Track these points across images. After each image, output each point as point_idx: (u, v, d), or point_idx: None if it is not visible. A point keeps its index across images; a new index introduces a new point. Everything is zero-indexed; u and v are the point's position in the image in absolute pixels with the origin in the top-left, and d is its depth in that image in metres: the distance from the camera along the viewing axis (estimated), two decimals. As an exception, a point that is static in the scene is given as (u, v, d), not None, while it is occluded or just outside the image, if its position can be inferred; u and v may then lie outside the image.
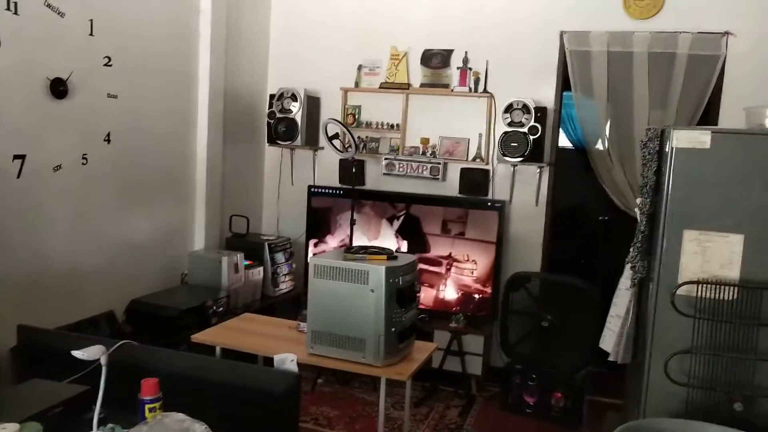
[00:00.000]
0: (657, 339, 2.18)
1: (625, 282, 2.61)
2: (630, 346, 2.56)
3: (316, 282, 2.50)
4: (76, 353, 1.48)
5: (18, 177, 2.96)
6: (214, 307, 3.53)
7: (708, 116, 4.03)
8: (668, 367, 2.13)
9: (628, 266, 2.57)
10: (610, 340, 2.56)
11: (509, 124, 4.12)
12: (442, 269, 4.36)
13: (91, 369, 1.70)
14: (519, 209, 4.41)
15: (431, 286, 4.37)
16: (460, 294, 4.31)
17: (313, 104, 4.69)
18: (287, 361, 2.46)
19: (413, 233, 4.42)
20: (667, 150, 2.14)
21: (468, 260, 4.30)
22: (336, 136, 4.34)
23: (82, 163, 3.31)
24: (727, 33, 3.92)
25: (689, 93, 3.98)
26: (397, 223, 4.45)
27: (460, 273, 4.32)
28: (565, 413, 3.92)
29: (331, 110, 4.74)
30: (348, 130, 4.14)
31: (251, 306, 4.01)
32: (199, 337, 2.71)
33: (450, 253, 4.34)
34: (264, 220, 5.02)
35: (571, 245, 5.09)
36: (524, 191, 4.40)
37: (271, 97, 4.65)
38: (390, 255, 2.55)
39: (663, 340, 2.19)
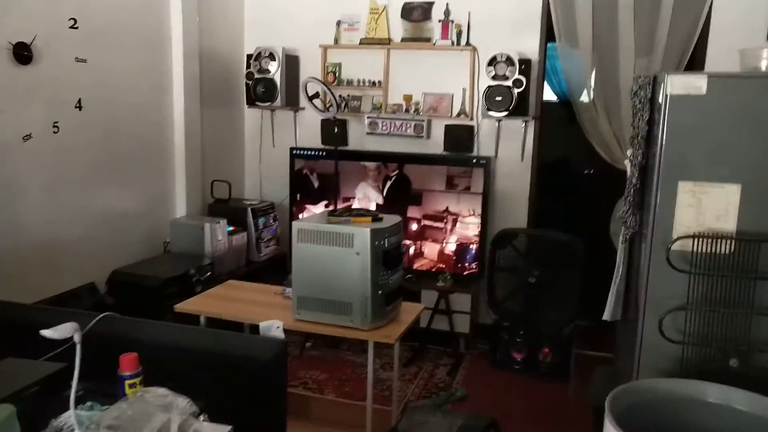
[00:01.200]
0: (651, 296, 2.13)
1: (621, 237, 2.55)
2: (620, 302, 2.52)
3: (301, 247, 2.44)
4: (46, 332, 1.41)
5: (-15, 148, 2.84)
6: (198, 276, 3.47)
7: (694, 63, 3.95)
8: (663, 325, 2.09)
9: (620, 221, 2.50)
10: (608, 308, 2.52)
11: (493, 78, 4.02)
12: (442, 224, 4.31)
13: (69, 345, 1.65)
14: (504, 165, 4.35)
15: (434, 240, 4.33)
16: (448, 252, 4.28)
17: (291, 63, 4.55)
18: (273, 328, 2.42)
19: (403, 193, 4.35)
20: (659, 98, 2.06)
21: (472, 214, 4.23)
22: (316, 95, 4.22)
23: (53, 132, 3.19)
24: (714, -27, 3.81)
25: (675, 39, 3.89)
26: (388, 183, 4.37)
27: (464, 228, 4.27)
28: (553, 368, 3.95)
29: (310, 69, 4.61)
30: (329, 89, 4.02)
31: (236, 272, 3.96)
32: (182, 306, 2.66)
33: (447, 208, 4.28)
34: (246, 185, 4.93)
35: (556, 200, 5.05)
36: (509, 146, 4.33)
37: (248, 57, 4.50)
38: (375, 217, 2.49)
39: (657, 296, 2.14)
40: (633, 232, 2.40)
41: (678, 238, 2.07)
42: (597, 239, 4.29)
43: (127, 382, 1.51)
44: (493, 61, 4.02)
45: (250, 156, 4.92)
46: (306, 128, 4.73)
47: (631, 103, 3.90)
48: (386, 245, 2.39)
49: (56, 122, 3.20)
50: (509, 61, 3.99)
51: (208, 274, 3.59)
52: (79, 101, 3.33)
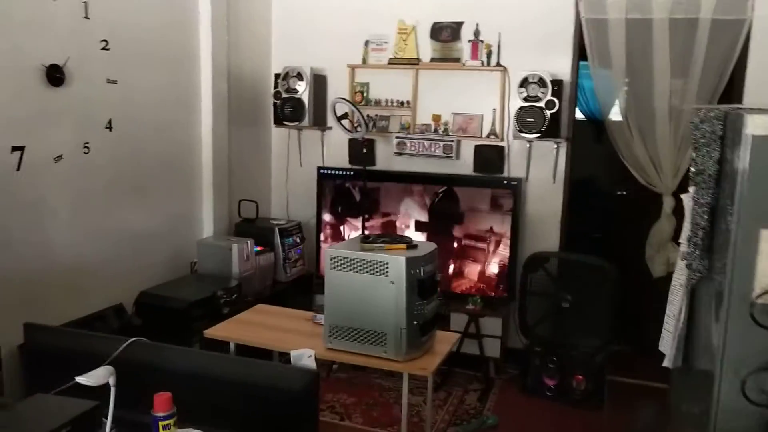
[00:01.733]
0: (729, 353, 1.91)
1: (680, 278, 2.37)
2: (681, 349, 2.32)
3: (333, 274, 2.38)
4: (80, 379, 1.37)
5: (18, 169, 2.84)
6: (226, 297, 3.43)
7: (732, 86, 3.85)
8: (745, 386, 1.87)
9: (682, 262, 2.29)
10: (667, 341, 2.34)
11: (525, 99, 3.95)
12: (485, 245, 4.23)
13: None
14: (536, 187, 4.27)
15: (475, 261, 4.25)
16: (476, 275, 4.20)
17: (319, 83, 4.53)
18: (305, 356, 2.37)
19: (449, 211, 4.29)
20: (735, 136, 1.88)
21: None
22: (345, 115, 4.18)
23: (84, 153, 3.18)
24: (753, -5, 3.72)
25: (712, 61, 3.80)
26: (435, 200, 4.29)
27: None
28: (586, 395, 3.83)
29: (338, 88, 4.58)
30: (357, 109, 3.98)
31: (262, 293, 3.91)
32: (211, 332, 2.61)
33: (491, 228, 4.19)
34: (273, 204, 4.89)
35: (588, 221, 4.95)
36: (541, 168, 4.25)
37: (276, 76, 4.49)
38: (409, 244, 2.43)
39: (737, 353, 1.91)
40: (701, 277, 2.16)
41: (763, 293, 1.83)
42: (629, 262, 4.20)
43: (161, 423, 1.45)
44: (524, 82, 3.95)
45: (276, 175, 4.89)
46: (333, 147, 4.70)
47: (667, 128, 3.88)
48: (422, 274, 2.32)
49: (87, 143, 3.19)
50: (541, 81, 3.92)
51: (235, 296, 3.54)
52: (110, 122, 3.32)
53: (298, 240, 4.37)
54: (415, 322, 2.32)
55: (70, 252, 3.14)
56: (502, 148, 4.28)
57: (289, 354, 2.38)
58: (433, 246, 2.47)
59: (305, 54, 4.60)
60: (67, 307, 3.07)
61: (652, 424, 3.56)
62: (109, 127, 3.32)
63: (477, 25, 4.24)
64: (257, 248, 3.98)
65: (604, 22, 3.97)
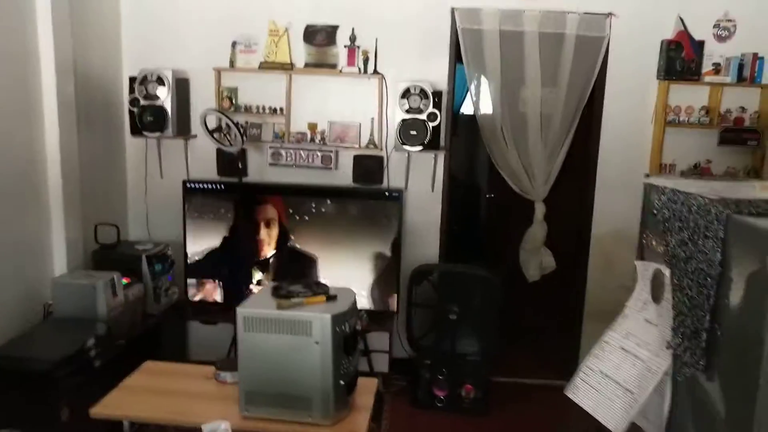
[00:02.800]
0: None
1: (616, 338, 2.35)
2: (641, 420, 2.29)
3: (248, 336, 2.13)
4: None
5: None
6: (97, 348, 2.99)
7: (594, 96, 4.09)
8: None
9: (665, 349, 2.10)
10: (590, 396, 2.34)
11: (407, 111, 3.89)
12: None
13: None
14: (415, 196, 4.25)
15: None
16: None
17: (181, 87, 4.10)
18: (219, 430, 2.11)
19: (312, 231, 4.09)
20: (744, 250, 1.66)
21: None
22: (218, 128, 3.81)
23: None
24: (610, 14, 3.96)
25: (578, 73, 4.02)
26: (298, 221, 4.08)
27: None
28: (476, 403, 3.92)
29: (202, 93, 4.19)
30: (233, 122, 3.66)
31: (133, 332, 3.48)
32: (100, 411, 2.21)
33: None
34: (130, 222, 4.37)
35: (461, 225, 5.06)
36: (419, 177, 4.23)
37: (132, 80, 3.98)
38: (327, 294, 2.25)
39: None
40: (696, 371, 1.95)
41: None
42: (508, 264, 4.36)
43: None
44: (406, 93, 3.89)
45: (133, 191, 4.37)
46: (198, 158, 4.30)
47: (539, 136, 4.02)
48: (347, 329, 2.15)
49: None
50: (423, 93, 3.87)
51: (106, 343, 3.10)
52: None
53: (167, 265, 3.94)
54: (342, 382, 2.16)
55: None
56: (381, 158, 4.19)
57: (197, 428, 2.11)
58: (352, 294, 2.31)
59: (163, 55, 4.14)
60: None
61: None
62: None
63: (353, 29, 4.07)
64: (124, 281, 3.51)
65: (479, 32, 4.01)
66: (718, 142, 4.01)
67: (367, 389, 2.40)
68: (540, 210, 4.21)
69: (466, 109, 4.43)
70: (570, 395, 2.40)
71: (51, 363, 2.76)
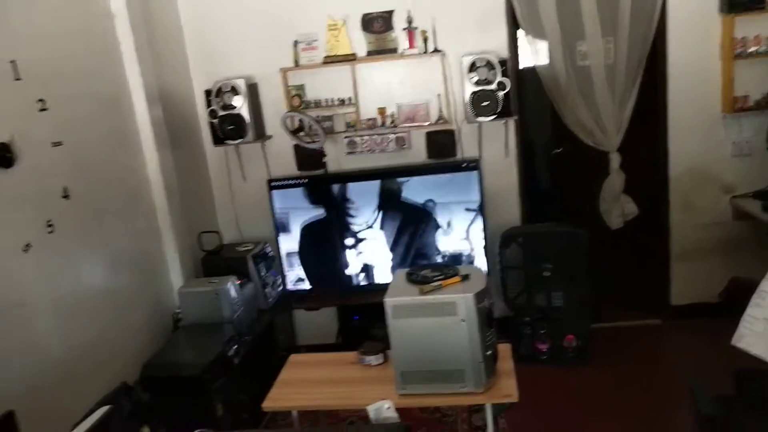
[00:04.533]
0: None
1: None
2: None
3: (397, 323, 2.32)
4: None
5: (-9, 274, 2.44)
6: (235, 347, 3.23)
7: (657, 39, 4.10)
8: None
9: None
10: (754, 341, 2.42)
11: (476, 83, 3.97)
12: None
13: None
14: (490, 164, 4.36)
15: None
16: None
17: (252, 93, 4.26)
18: (383, 409, 2.32)
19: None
20: None
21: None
22: (300, 128, 3.96)
23: (49, 232, 2.80)
24: (667, -42, 3.94)
25: (638, 18, 4.00)
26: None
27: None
28: (578, 352, 4.08)
29: (271, 95, 4.35)
30: (314, 120, 3.81)
31: (254, 329, 3.72)
32: (271, 404, 2.44)
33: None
34: (221, 226, 4.59)
35: (537, 185, 5.15)
36: (491, 145, 4.34)
37: (207, 93, 4.15)
38: (459, 274, 2.41)
39: None
40: None
41: None
42: (580, 216, 4.45)
43: None
44: (473, 66, 3.97)
45: (220, 196, 4.58)
46: (276, 156, 4.48)
47: (605, 87, 4.06)
48: (487, 305, 2.32)
49: (49, 221, 2.80)
50: (489, 64, 3.95)
51: (241, 343, 3.35)
52: (65, 189, 2.93)
53: (269, 262, 4.17)
54: (489, 353, 2.34)
55: (57, 346, 2.80)
56: (452, 131, 4.31)
57: (363, 410, 2.31)
58: (481, 271, 2.47)
59: (228, 65, 4.30)
60: (71, 402, 2.74)
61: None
62: (66, 196, 2.94)
63: (408, 12, 4.15)
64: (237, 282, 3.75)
65: (533, -6, 4.04)
66: (789, 66, 4.00)
67: (504, 354, 2.57)
68: (615, 160, 4.26)
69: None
70: (737, 344, 2.48)
71: (201, 367, 3.01)
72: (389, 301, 2.32)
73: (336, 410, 2.51)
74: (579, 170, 4.82)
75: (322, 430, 2.56)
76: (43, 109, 2.82)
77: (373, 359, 2.64)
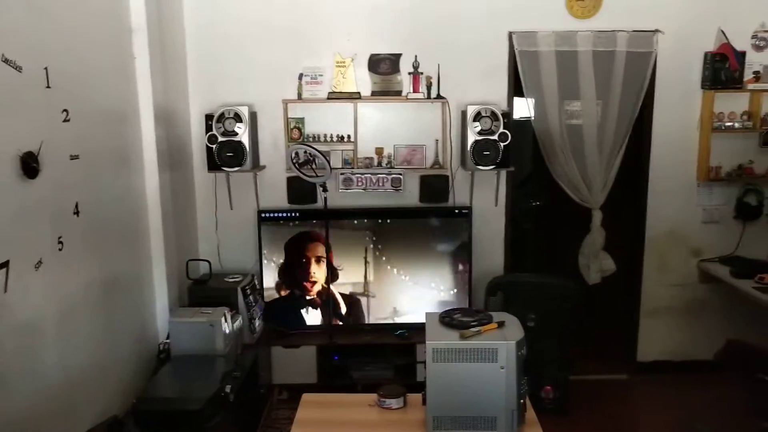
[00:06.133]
0: None
1: None
2: None
3: (435, 366, 2.30)
4: None
5: (5, 291, 2.27)
6: (232, 384, 3.10)
7: (644, 107, 4.36)
8: None
9: None
10: None
11: (479, 133, 4.09)
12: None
13: None
14: (480, 211, 4.45)
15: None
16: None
17: (252, 121, 4.20)
18: (414, 455, 2.28)
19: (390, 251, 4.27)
20: None
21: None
22: (308, 161, 3.93)
23: (59, 249, 2.63)
24: (657, 31, 4.24)
25: (629, 86, 4.29)
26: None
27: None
28: (557, 403, 4.15)
29: (269, 126, 4.31)
30: (320, 153, 3.79)
31: (243, 364, 3.58)
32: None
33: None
34: (202, 255, 4.43)
35: (520, 235, 5.26)
36: (482, 193, 4.44)
37: (208, 118, 4.06)
38: (496, 321, 2.43)
39: None
40: None
41: None
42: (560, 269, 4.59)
43: None
44: (477, 116, 4.08)
45: (203, 223, 4.45)
46: (268, 187, 4.42)
47: (595, 148, 4.27)
48: (524, 353, 2.35)
49: (60, 237, 2.64)
50: (493, 115, 4.08)
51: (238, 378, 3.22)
52: (77, 206, 2.78)
53: (257, 295, 4.06)
54: (522, 401, 2.35)
55: (58, 371, 2.61)
56: (446, 177, 4.39)
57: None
58: (515, 319, 2.51)
59: (228, 91, 4.25)
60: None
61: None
62: (77, 212, 2.78)
63: (416, 57, 4.25)
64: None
65: (535, 53, 4.24)
66: (760, 143, 4.33)
67: (528, 404, 2.59)
68: (597, 217, 4.46)
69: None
70: None
71: (201, 401, 2.86)
72: (431, 344, 2.31)
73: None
74: (560, 225, 4.99)
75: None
76: (66, 120, 2.68)
77: (394, 402, 2.59)
